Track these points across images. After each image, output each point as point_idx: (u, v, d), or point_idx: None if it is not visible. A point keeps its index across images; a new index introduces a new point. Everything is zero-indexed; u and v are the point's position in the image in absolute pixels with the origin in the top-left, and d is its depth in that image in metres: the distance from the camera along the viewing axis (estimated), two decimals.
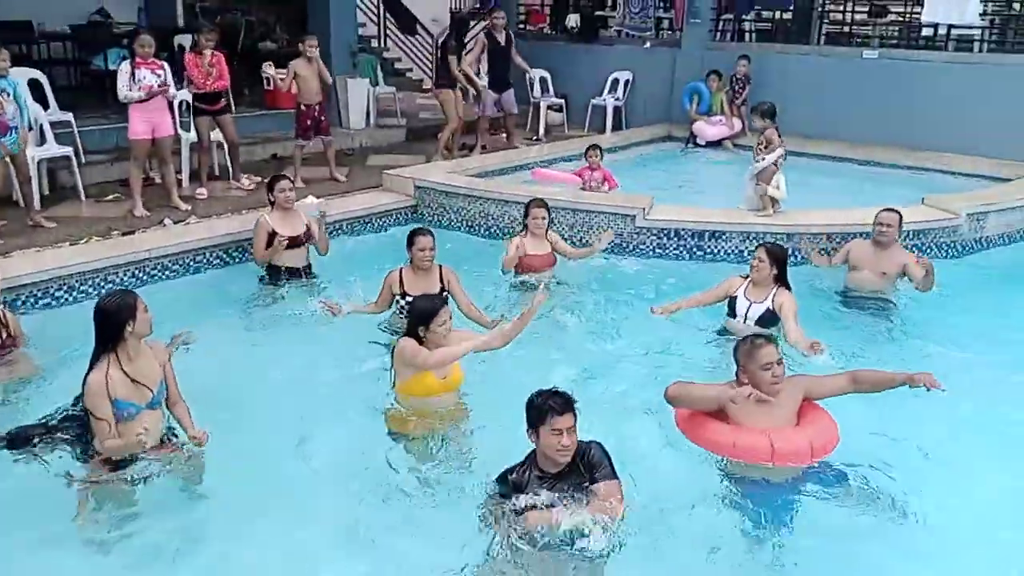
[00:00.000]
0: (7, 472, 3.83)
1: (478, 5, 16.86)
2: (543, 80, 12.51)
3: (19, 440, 3.94)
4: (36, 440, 3.92)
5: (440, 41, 10.25)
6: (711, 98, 11.15)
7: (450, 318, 4.27)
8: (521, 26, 14.41)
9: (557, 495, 3.27)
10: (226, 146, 8.52)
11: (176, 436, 3.97)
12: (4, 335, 4.83)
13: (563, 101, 12.59)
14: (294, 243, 6.17)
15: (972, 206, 7.51)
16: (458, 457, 4.10)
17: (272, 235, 6.10)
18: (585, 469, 3.34)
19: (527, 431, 3.35)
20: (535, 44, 13.33)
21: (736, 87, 11.13)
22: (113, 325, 3.67)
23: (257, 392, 4.70)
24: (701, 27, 11.90)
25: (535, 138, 11.85)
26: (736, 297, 5.32)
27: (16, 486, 3.80)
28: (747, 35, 13.15)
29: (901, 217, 6.15)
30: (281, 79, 8.78)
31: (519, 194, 7.68)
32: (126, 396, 3.70)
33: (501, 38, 10.45)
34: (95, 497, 3.72)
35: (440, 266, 5.47)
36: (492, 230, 7.77)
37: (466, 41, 10.58)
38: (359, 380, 4.80)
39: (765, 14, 13.81)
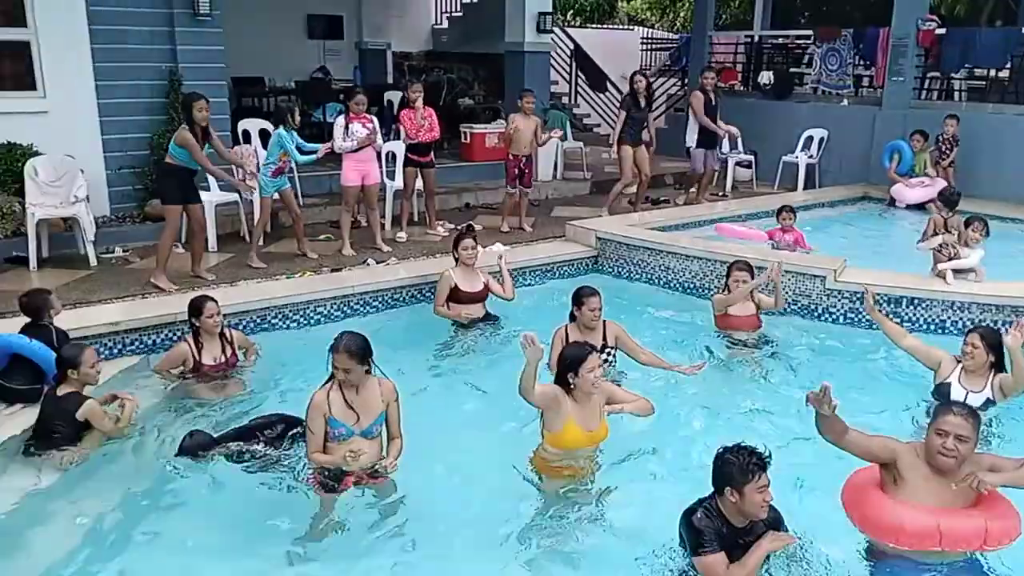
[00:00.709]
0: (229, 476, 4.27)
1: (668, 63, 17.06)
2: (732, 136, 12.40)
3: (245, 434, 4.47)
4: (260, 439, 4.41)
5: (622, 98, 10.54)
6: (914, 158, 10.59)
7: (600, 366, 4.22)
8: None
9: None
10: (425, 195, 9.10)
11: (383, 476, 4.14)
12: (229, 352, 5.44)
13: (752, 157, 12.42)
14: (473, 299, 6.49)
15: None
16: (591, 507, 4.10)
17: (454, 290, 6.44)
18: (767, 523, 3.37)
19: (723, 489, 3.32)
20: (726, 100, 13.30)
21: (943, 148, 10.52)
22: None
23: (435, 424, 4.88)
24: (904, 85, 11.39)
25: (721, 194, 11.75)
26: (950, 384, 4.91)
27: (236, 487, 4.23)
28: (956, 94, 12.41)
29: None
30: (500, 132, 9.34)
31: (701, 249, 7.67)
32: (340, 417, 4.02)
33: (713, 97, 10.62)
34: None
35: (604, 322, 5.45)
36: (673, 283, 7.78)
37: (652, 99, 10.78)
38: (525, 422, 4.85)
39: (978, 71, 12.99)
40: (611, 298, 7.58)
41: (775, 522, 3.41)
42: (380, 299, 6.92)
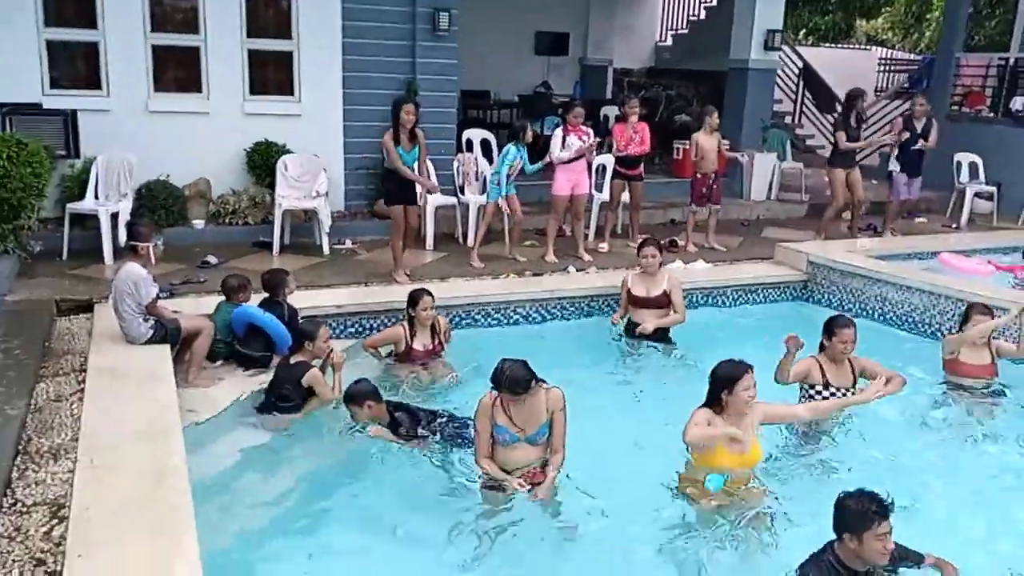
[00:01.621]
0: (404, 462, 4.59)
1: (906, 85, 15.96)
2: (972, 164, 11.40)
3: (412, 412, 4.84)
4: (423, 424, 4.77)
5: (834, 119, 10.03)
6: None
7: (754, 385, 4.10)
8: (955, 108, 13.31)
9: None
10: (631, 208, 9.19)
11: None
12: (436, 341, 5.89)
13: (995, 189, 11.32)
14: (648, 304, 6.55)
15: None
16: (734, 535, 3.97)
17: (629, 294, 6.58)
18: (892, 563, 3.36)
19: (842, 534, 3.25)
20: (970, 127, 12.25)
21: None
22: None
23: (600, 434, 4.91)
24: None
25: (955, 226, 10.83)
26: None
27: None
28: None
29: None
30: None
31: (924, 281, 7.16)
32: (505, 424, 4.17)
33: (919, 125, 9.88)
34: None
35: (849, 358, 5.13)
36: (888, 316, 7.33)
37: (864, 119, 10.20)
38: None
39: None
40: (817, 329, 7.33)
41: (901, 558, 3.41)
42: (576, 305, 7.12)
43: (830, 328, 5.13)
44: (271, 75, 8.95)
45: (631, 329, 6.58)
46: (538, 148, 8.65)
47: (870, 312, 7.45)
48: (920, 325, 7.06)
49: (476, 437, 4.30)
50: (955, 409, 5.56)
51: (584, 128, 8.22)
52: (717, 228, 9.29)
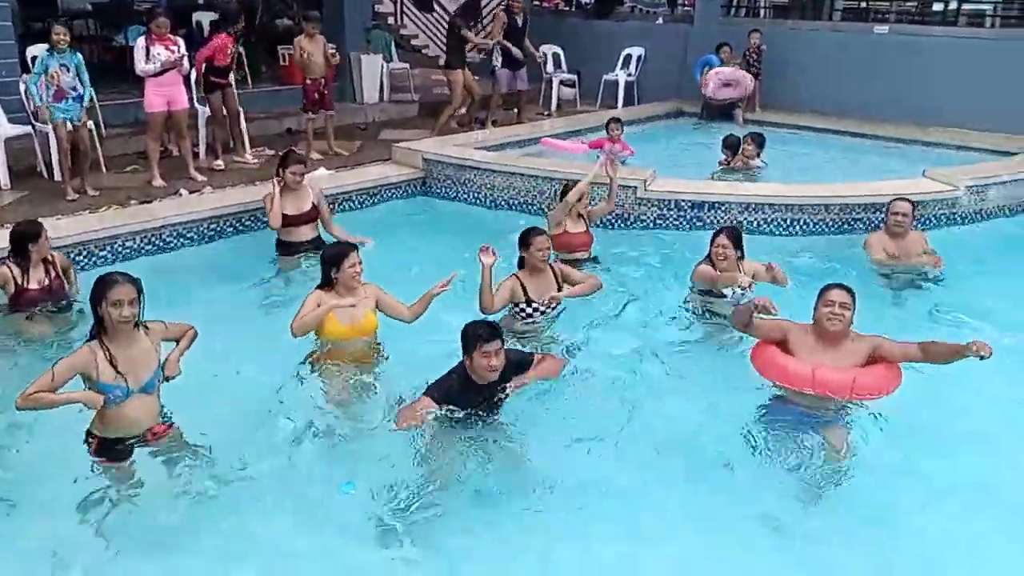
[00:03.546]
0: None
1: None
2: (555, 56, 12.61)
3: None
4: None
5: (450, 19, 10.41)
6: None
7: (360, 263, 4.55)
8: (537, 4, 14.49)
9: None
10: (228, 118, 8.66)
11: (170, 418, 3.87)
12: (52, 275, 5.17)
13: (576, 77, 12.68)
14: (300, 220, 6.33)
15: (973, 179, 7.57)
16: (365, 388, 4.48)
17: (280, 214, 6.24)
18: (512, 367, 4.05)
19: (464, 355, 3.92)
20: (550, 20, 13.45)
21: (750, 59, 11.18)
22: (95, 306, 3.51)
23: (257, 357, 4.83)
24: (714, 3, 11.92)
25: (547, 113, 11.98)
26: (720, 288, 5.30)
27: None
28: (762, 11, 13.14)
29: (914, 205, 6.29)
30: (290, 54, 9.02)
31: (526, 166, 7.85)
32: (111, 380, 3.50)
33: (519, 20, 10.64)
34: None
35: (551, 264, 5.24)
36: (499, 202, 7.96)
37: (480, 19, 10.75)
38: None
39: None
40: (438, 220, 7.76)
41: (518, 365, 4.14)
42: (196, 231, 6.67)
43: (526, 240, 5.07)
44: None
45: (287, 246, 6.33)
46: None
47: (483, 200, 8.02)
48: (525, 206, 7.78)
49: (41, 377, 3.45)
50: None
51: (171, 37, 7.51)
52: (336, 134, 9.23)
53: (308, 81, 8.88)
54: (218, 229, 6.79)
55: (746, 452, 4.08)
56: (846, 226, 7.08)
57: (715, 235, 5.34)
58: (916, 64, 10.30)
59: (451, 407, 3.95)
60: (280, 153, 8.53)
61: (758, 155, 8.69)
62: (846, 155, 9.65)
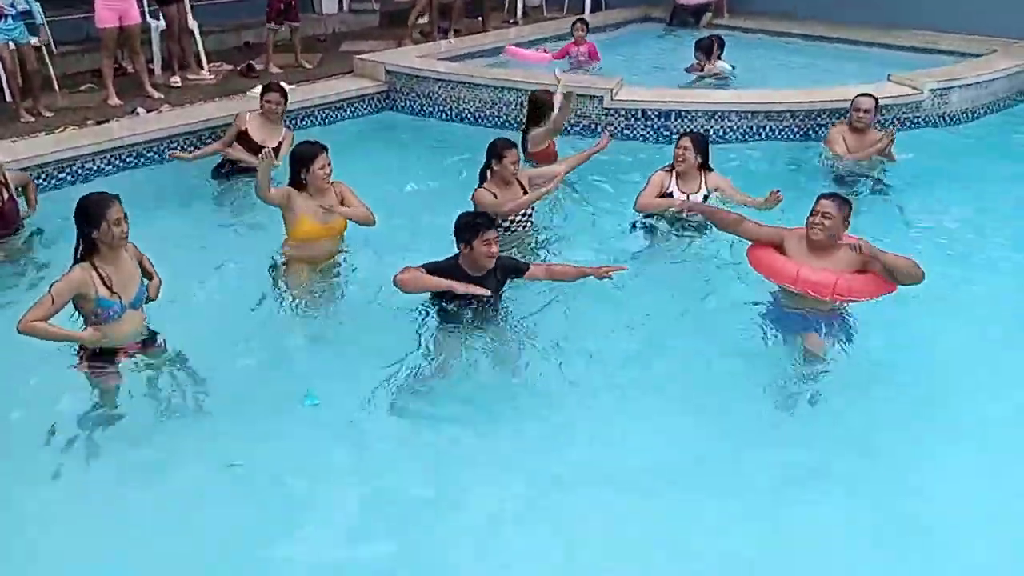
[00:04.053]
0: None
1: None
2: None
3: None
4: None
5: None
6: None
7: (329, 164, 4.56)
8: None
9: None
10: (179, 33, 8.32)
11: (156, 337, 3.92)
12: (6, 196, 5.04)
13: None
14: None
15: (936, 82, 7.59)
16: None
17: (245, 135, 6.03)
18: (503, 273, 4.17)
19: (460, 244, 4.02)
20: None
21: None
22: (83, 228, 3.54)
23: (208, 273, 4.87)
24: None
25: (512, 20, 11.71)
26: (671, 192, 5.23)
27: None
28: None
29: (877, 101, 6.32)
30: None
31: (492, 77, 7.73)
32: (107, 296, 3.57)
33: None
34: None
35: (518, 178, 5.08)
36: (464, 114, 7.85)
37: None
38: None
39: None
40: (403, 135, 7.66)
41: (510, 270, 4.24)
42: (155, 150, 6.55)
43: (498, 152, 4.93)
44: None
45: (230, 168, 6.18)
46: None
47: (448, 113, 7.92)
48: (491, 119, 7.68)
49: (43, 308, 3.45)
50: None
51: None
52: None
53: None
54: (177, 147, 6.64)
55: (726, 350, 4.23)
56: (812, 132, 7.09)
57: (679, 138, 5.33)
58: None
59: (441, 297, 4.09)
60: (238, 68, 8.35)
61: (720, 57, 8.59)
62: (815, 60, 9.56)
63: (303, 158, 4.56)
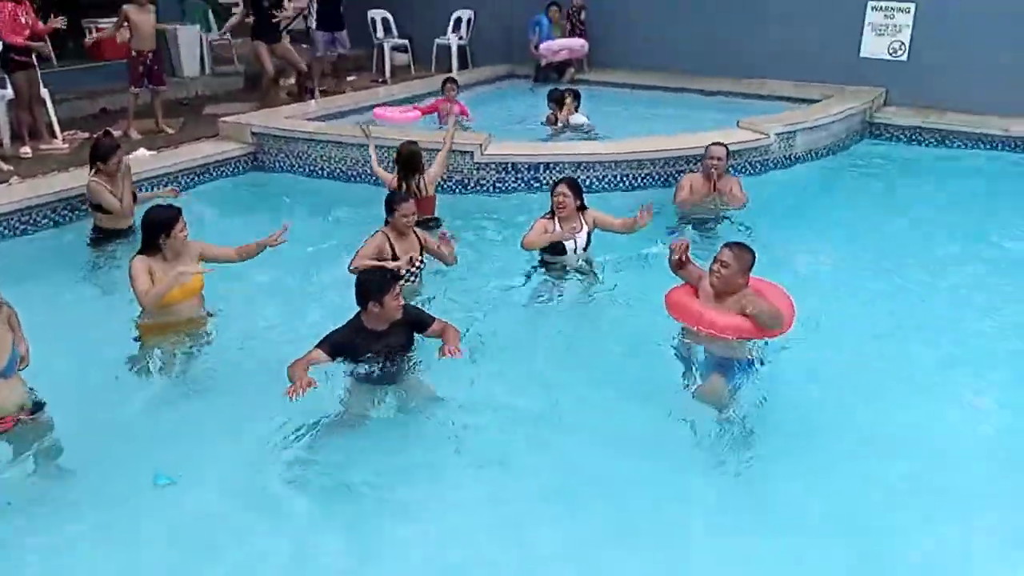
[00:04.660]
0: None
1: None
2: (385, 21, 12.41)
3: None
4: None
5: None
6: (551, 29, 11.37)
7: (186, 224, 4.50)
8: None
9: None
10: (30, 101, 7.98)
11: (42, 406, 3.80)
12: None
13: (407, 42, 12.55)
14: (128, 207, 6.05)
15: (781, 126, 8.16)
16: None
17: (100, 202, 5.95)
18: (410, 323, 4.20)
19: (368, 304, 3.99)
20: None
21: (573, 20, 11.47)
22: None
23: (93, 344, 4.71)
24: None
25: (381, 80, 11.82)
26: (559, 241, 5.41)
27: None
28: None
29: (727, 148, 6.72)
30: (109, 27, 8.49)
31: (358, 136, 7.76)
32: None
33: None
34: None
35: (415, 230, 5.27)
36: (334, 172, 7.84)
37: None
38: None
39: None
40: (273, 195, 7.57)
41: (417, 322, 4.28)
42: (6, 224, 6.20)
43: (392, 205, 5.13)
44: None
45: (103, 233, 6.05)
46: None
47: (318, 171, 7.89)
48: (362, 176, 7.69)
49: None
50: None
51: None
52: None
53: (134, 53, 8.39)
54: (31, 221, 6.34)
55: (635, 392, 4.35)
56: (671, 179, 7.45)
57: (554, 185, 5.52)
58: (733, 18, 10.79)
59: (347, 358, 4.05)
60: (95, 135, 8.03)
61: (576, 108, 8.94)
62: (668, 111, 10.11)
63: (163, 223, 4.44)
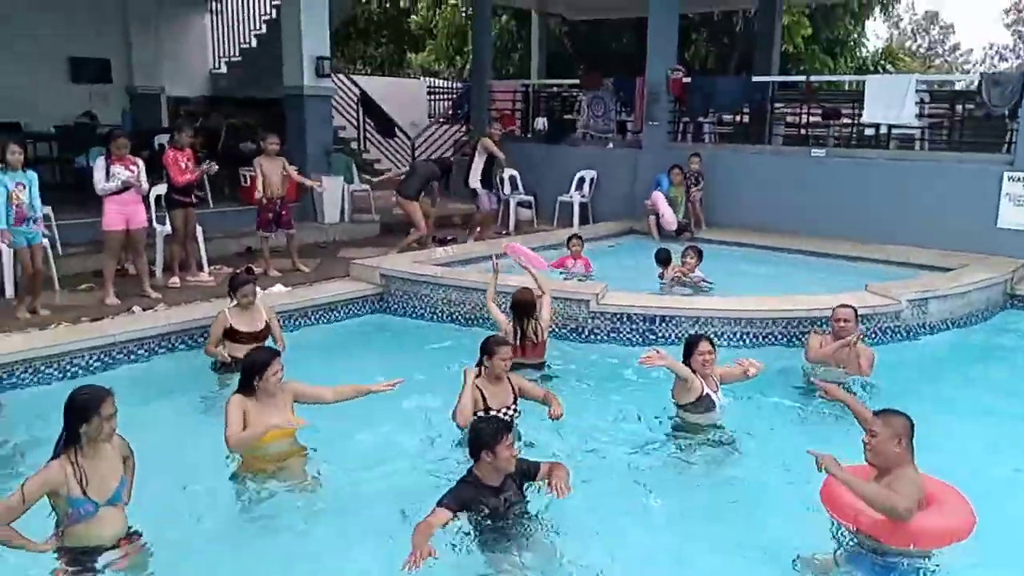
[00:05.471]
0: None
1: (451, 111, 17.65)
2: (512, 178, 13.06)
3: None
4: None
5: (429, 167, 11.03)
6: (671, 189, 11.59)
7: (282, 368, 4.66)
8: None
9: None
10: (185, 237, 8.70)
11: (139, 534, 3.83)
12: None
13: (532, 198, 13.11)
14: (253, 339, 6.26)
15: (913, 292, 7.83)
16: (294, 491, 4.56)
17: (229, 330, 6.26)
18: (519, 475, 4.13)
19: (481, 453, 3.96)
20: (507, 145, 13.95)
21: (688, 183, 11.69)
22: (71, 421, 3.52)
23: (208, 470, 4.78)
24: (659, 129, 12.50)
25: (505, 232, 12.28)
26: (708, 395, 5.36)
27: None
28: (707, 136, 13.79)
29: (856, 311, 6.49)
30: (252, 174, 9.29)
31: (478, 281, 7.98)
32: (80, 494, 3.49)
33: (497, 148, 11.43)
34: None
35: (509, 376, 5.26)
36: (455, 316, 8.02)
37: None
38: None
39: (726, 117, 14.53)
40: (395, 337, 7.78)
41: (526, 472, 4.22)
42: (146, 347, 6.62)
43: (487, 348, 5.15)
44: None
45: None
46: None
47: (440, 314, 8.10)
48: (481, 320, 7.84)
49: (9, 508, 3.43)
50: None
51: (131, 158, 7.66)
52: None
53: (263, 201, 9.08)
54: (168, 345, 6.74)
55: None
56: (794, 339, 7.22)
57: (692, 344, 5.47)
58: (851, 184, 10.78)
59: (469, 512, 3.95)
60: (237, 271, 8.60)
61: (696, 267, 8.88)
62: (789, 271, 9.95)
63: (257, 366, 4.63)
